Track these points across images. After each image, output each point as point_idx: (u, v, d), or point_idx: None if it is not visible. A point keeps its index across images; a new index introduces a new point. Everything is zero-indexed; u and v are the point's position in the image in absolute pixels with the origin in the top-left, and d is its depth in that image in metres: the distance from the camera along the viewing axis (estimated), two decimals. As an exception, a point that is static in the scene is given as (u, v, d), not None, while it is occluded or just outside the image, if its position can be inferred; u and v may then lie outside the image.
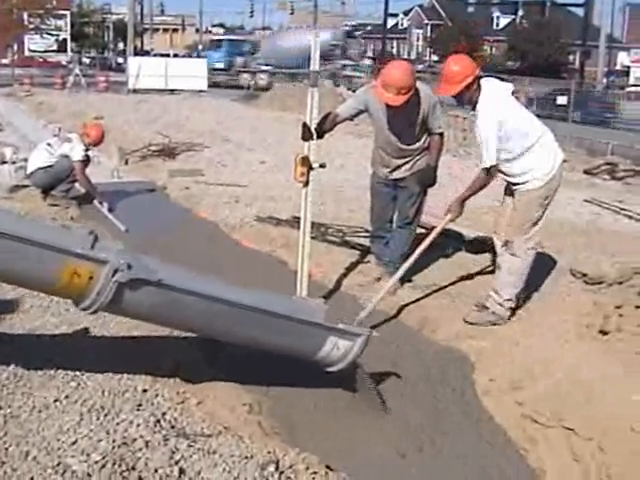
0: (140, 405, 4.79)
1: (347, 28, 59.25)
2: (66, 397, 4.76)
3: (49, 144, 11.61)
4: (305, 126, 7.08)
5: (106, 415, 4.57)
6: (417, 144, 7.70)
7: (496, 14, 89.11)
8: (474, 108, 6.92)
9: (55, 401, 4.69)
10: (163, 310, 4.98)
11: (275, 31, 62.13)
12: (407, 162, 7.76)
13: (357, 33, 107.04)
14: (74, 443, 4.18)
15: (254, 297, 5.40)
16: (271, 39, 56.98)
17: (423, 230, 8.83)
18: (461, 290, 7.79)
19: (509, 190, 7.14)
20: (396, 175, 7.85)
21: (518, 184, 6.96)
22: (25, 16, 52.47)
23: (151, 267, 4.83)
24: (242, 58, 53.54)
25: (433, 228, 8.81)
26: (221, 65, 52.66)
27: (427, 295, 7.80)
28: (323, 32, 52.21)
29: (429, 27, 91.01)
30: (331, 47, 48.42)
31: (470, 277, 8.19)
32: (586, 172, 17.41)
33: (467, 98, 6.88)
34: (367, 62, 61.61)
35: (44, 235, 4.55)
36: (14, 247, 4.40)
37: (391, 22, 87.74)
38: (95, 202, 11.35)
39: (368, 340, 5.66)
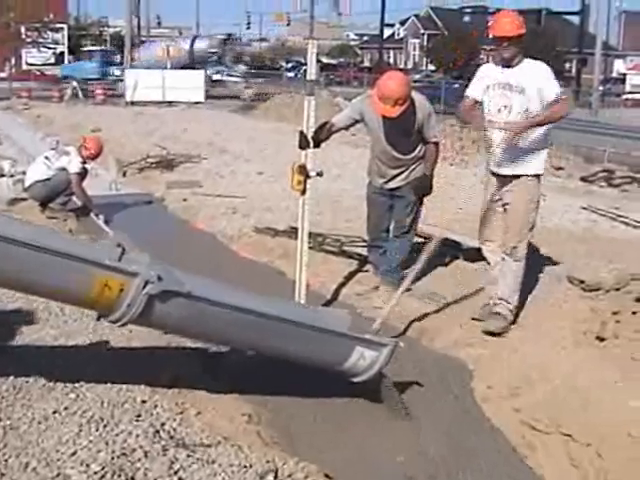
0: (139, 416, 4.80)
1: (223, 37, 60.88)
2: (65, 408, 4.78)
3: (47, 157, 11.65)
4: (302, 134, 7.12)
5: (105, 426, 4.58)
6: (413, 153, 7.73)
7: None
8: (509, 65, 6.95)
9: (54, 412, 4.71)
10: (192, 322, 5.02)
11: (147, 42, 62.91)
12: (403, 171, 7.78)
13: (354, 43, 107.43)
14: (74, 454, 4.19)
15: (282, 308, 5.50)
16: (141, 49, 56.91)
17: (421, 239, 8.87)
18: (459, 298, 7.79)
19: (496, 194, 7.13)
20: (392, 184, 7.87)
21: (517, 174, 6.98)
22: (22, 29, 52.59)
23: (180, 279, 4.86)
24: (115, 67, 53.77)
25: (430, 236, 8.85)
26: (95, 75, 52.18)
27: (425, 303, 7.81)
28: (200, 40, 52.62)
29: (425, 37, 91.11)
30: (209, 54, 49.03)
31: (468, 285, 8.19)
32: (583, 179, 17.42)
33: (514, 51, 6.88)
34: (242, 67, 62.22)
35: (74, 248, 4.61)
36: (45, 260, 4.44)
37: (387, 32, 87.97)
38: (92, 215, 11.39)
39: (394, 351, 5.71)
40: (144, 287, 4.64)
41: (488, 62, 7.41)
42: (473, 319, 7.30)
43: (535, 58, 7.02)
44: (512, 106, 6.89)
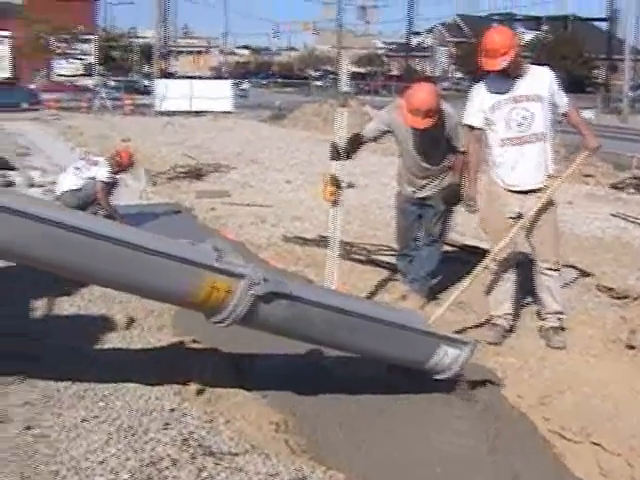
0: (168, 424, 4.81)
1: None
2: (95, 417, 4.80)
3: (77, 167, 11.73)
4: (333, 146, 7.16)
5: (134, 434, 4.60)
6: (442, 163, 7.70)
7: (519, 29, 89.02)
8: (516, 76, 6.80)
9: (84, 421, 4.73)
10: (292, 322, 5.14)
11: None
12: (432, 181, 7.77)
13: (381, 52, 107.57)
14: (102, 462, 4.21)
15: (373, 308, 5.67)
16: None
17: (449, 247, 8.87)
18: (486, 307, 7.75)
19: (516, 210, 7.01)
20: (421, 194, 7.86)
21: (541, 187, 6.90)
22: (52, 41, 53.09)
23: (282, 280, 5.04)
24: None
25: (461, 245, 8.85)
26: None
27: (452, 312, 7.78)
28: None
29: (453, 44, 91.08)
30: None
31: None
32: (612, 186, 17.31)
33: (512, 70, 6.72)
34: None
35: (183, 251, 4.74)
36: (157, 262, 4.60)
37: (415, 40, 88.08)
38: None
39: (474, 349, 5.85)
40: (250, 288, 4.76)
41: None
42: (489, 343, 7.17)
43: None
44: (534, 116, 6.81)
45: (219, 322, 4.92)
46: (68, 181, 11.57)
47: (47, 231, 4.35)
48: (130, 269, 4.60)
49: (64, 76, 57.22)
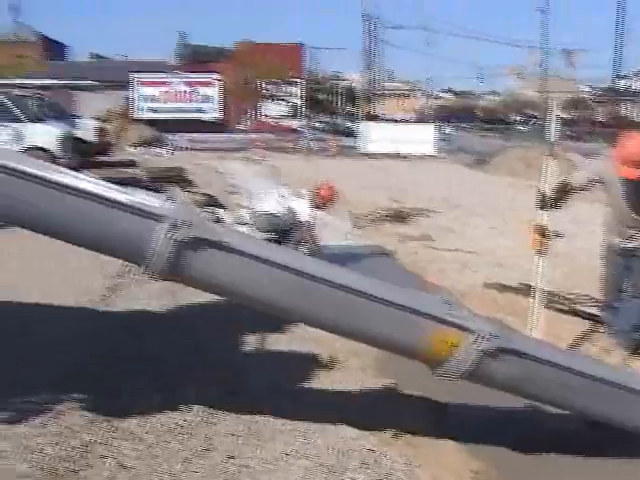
0: (365, 464, 4.86)
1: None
2: (294, 451, 4.91)
3: (281, 195, 11.91)
4: (542, 195, 7.10)
5: (332, 471, 4.68)
6: (654, 214, 7.53)
7: None
8: None
9: (283, 454, 4.85)
10: (517, 380, 5.06)
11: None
12: (641, 232, 7.60)
13: (586, 96, 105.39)
14: (300, 496, 4.32)
15: (598, 367, 5.51)
16: None
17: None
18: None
19: None
20: (630, 245, 7.69)
21: None
22: (260, 84, 54.96)
23: (507, 335, 4.95)
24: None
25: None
26: None
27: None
28: None
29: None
30: None
31: None
32: None
33: None
34: None
35: (411, 301, 4.78)
36: (386, 312, 4.68)
37: (622, 84, 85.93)
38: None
39: None
40: (479, 344, 4.75)
41: None
42: None
43: None
44: None
45: (442, 375, 4.90)
46: (269, 204, 11.79)
47: (265, 271, 4.47)
48: (361, 317, 4.67)
49: (271, 117, 58.80)
